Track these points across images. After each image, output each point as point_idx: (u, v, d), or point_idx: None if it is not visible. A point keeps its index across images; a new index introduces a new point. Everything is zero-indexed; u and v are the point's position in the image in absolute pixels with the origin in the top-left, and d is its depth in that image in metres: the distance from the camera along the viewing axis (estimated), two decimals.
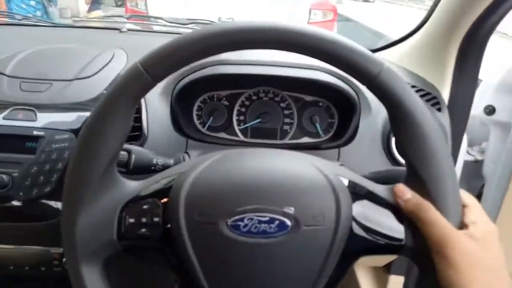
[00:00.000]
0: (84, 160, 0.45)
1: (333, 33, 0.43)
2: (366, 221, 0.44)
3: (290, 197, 0.42)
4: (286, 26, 0.42)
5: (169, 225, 0.44)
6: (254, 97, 0.82)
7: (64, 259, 0.76)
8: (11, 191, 0.68)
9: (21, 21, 1.26)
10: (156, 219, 0.45)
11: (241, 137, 0.82)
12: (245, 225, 0.42)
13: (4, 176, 0.67)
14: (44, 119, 0.72)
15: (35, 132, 0.70)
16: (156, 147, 0.74)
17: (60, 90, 0.76)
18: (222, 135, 0.82)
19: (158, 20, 1.34)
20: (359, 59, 0.41)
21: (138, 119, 0.76)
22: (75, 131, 0.71)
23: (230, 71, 0.77)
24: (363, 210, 0.44)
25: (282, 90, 0.82)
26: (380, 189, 0.46)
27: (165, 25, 1.33)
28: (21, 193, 0.68)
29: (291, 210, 0.42)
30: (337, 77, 0.78)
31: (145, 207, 0.46)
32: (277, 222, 0.42)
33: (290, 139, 0.82)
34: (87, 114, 0.73)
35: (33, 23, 1.27)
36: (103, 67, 0.82)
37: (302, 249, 0.42)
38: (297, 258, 0.42)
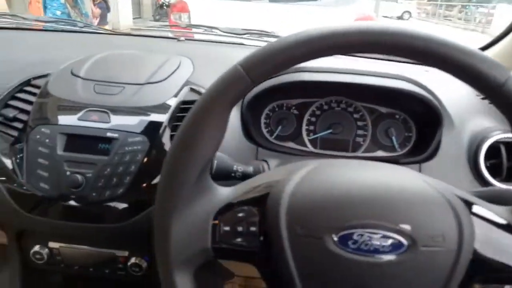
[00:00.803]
0: (180, 165, 0.43)
1: (448, 37, 0.40)
2: (489, 245, 0.40)
3: (405, 214, 0.39)
4: (397, 29, 0.39)
5: (265, 236, 0.42)
6: (326, 107, 0.80)
7: (129, 263, 0.75)
8: (84, 191, 0.68)
9: (82, 29, 1.30)
10: (252, 229, 0.43)
11: (310, 148, 0.79)
12: (355, 242, 0.39)
13: (79, 176, 0.67)
14: (117, 121, 0.72)
15: (108, 134, 0.70)
16: (228, 154, 0.72)
17: (132, 93, 0.76)
18: (290, 144, 0.80)
19: (214, 30, 1.35)
20: (482, 66, 0.38)
21: None
22: (147, 134, 0.70)
23: (305, 78, 0.75)
24: (484, 232, 0.40)
25: (356, 101, 0.79)
26: (499, 211, 0.42)
27: (220, 35, 1.34)
28: (94, 194, 0.68)
29: (407, 228, 0.38)
30: (419, 87, 0.74)
31: (240, 215, 0.44)
32: (391, 240, 0.38)
33: (363, 152, 0.79)
34: (159, 117, 0.73)
35: (93, 30, 1.31)
36: (172, 73, 0.82)
37: (419, 272, 0.39)
38: (412, 282, 0.39)
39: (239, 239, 0.43)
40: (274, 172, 0.50)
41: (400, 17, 20.90)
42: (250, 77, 0.41)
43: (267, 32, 1.38)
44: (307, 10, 3.10)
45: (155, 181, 0.70)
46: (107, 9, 5.42)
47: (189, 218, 0.44)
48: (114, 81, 0.78)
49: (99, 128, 0.71)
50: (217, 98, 0.42)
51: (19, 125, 0.76)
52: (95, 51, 0.89)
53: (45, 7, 3.82)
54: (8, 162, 0.72)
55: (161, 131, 0.71)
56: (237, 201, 0.45)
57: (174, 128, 0.75)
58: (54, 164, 0.69)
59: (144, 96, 0.76)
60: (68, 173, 0.68)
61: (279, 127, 0.81)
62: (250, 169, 0.62)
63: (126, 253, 0.76)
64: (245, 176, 0.61)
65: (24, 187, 0.70)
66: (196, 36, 1.35)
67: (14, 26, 1.27)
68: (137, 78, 0.80)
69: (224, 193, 0.47)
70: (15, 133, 0.76)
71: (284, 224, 0.41)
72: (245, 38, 1.31)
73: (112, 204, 0.69)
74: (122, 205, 0.70)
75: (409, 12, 21.73)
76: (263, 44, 1.25)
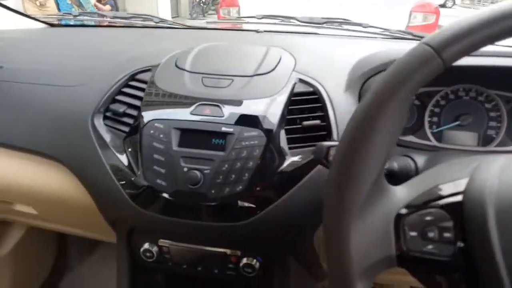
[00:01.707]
0: (357, 162, 0.39)
1: None
2: None
3: None
4: None
5: (463, 244, 0.37)
6: (452, 96, 0.73)
7: (241, 263, 0.72)
8: (203, 188, 0.65)
9: (158, 24, 1.29)
10: (447, 235, 0.38)
11: (433, 142, 0.73)
12: None
13: (197, 173, 0.65)
14: (230, 115, 0.69)
15: (223, 128, 0.67)
16: None
17: (242, 86, 0.73)
18: (411, 138, 0.73)
19: (291, 20, 1.30)
20: None
21: (322, 118, 0.70)
22: (263, 128, 0.66)
23: None
24: None
25: (488, 88, 0.71)
26: None
27: (298, 25, 1.29)
28: (213, 191, 0.65)
29: None
30: None
31: (428, 218, 0.39)
32: None
33: (496, 146, 0.71)
34: (273, 110, 0.69)
35: (169, 25, 1.30)
36: (277, 64, 0.77)
37: None
38: None
39: (430, 246, 0.38)
40: (446, 170, 0.45)
41: (443, 5, 19.96)
42: (442, 58, 0.36)
43: (348, 20, 1.32)
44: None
45: (274, 178, 0.66)
46: (115, 6, 5.52)
47: (368, 224, 0.39)
48: (223, 74, 0.75)
49: (213, 122, 0.68)
50: (401, 83, 0.37)
51: (129, 120, 0.75)
52: (183, 45, 0.87)
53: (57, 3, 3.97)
54: (123, 158, 0.71)
55: (276, 125, 0.67)
56: (419, 203, 0.40)
57: (288, 122, 0.70)
58: (170, 160, 0.66)
59: (255, 88, 0.73)
60: (185, 169, 0.66)
61: None
62: (395, 165, 0.57)
63: (238, 253, 0.73)
64: (391, 174, 0.56)
65: (141, 184, 0.68)
66: (274, 27, 1.30)
67: (95, 23, 1.29)
68: (244, 70, 0.76)
69: (399, 193, 0.42)
70: (126, 129, 0.74)
71: (495, 233, 0.35)
72: (325, 28, 1.26)
73: (231, 202, 0.66)
74: (241, 203, 0.66)
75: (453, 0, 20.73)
76: (344, 32, 1.20)
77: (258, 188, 0.66)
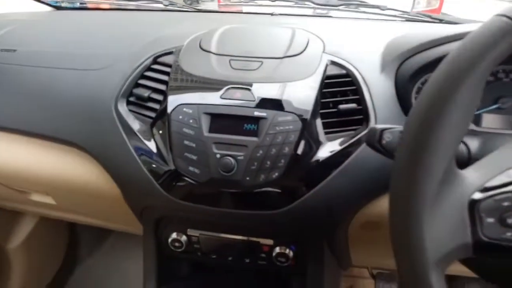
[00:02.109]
0: (431, 146, 0.36)
1: None
2: None
3: None
4: None
5: None
6: (491, 78, 0.70)
7: (274, 253, 0.70)
8: (237, 175, 0.62)
9: (167, 7, 1.24)
10: None
11: (472, 126, 0.70)
12: None
13: (231, 159, 0.62)
14: (262, 98, 0.66)
15: (256, 113, 0.64)
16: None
17: (272, 68, 0.70)
18: None
19: (306, 3, 1.26)
20: None
21: (357, 101, 0.68)
22: (297, 112, 0.63)
23: None
24: None
25: None
26: None
27: (314, 7, 1.25)
28: (247, 178, 0.62)
29: None
30: None
31: (505, 204, 0.37)
32: None
33: None
34: (306, 93, 0.66)
35: (178, 8, 1.25)
36: (307, 45, 0.74)
37: None
38: None
39: (509, 233, 0.36)
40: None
41: None
42: None
43: (365, 2, 1.28)
44: None
45: (311, 164, 0.64)
46: None
47: (442, 211, 0.37)
48: (251, 56, 0.72)
49: (245, 107, 0.65)
50: (480, 56, 0.35)
51: (155, 106, 0.72)
52: (199, 28, 0.83)
53: None
54: (151, 145, 0.68)
55: (311, 108, 0.65)
56: (494, 187, 0.38)
57: (323, 106, 0.68)
58: (202, 147, 0.64)
59: (286, 71, 0.70)
60: (218, 155, 0.63)
61: None
62: None
63: (271, 242, 0.71)
64: None
65: (172, 172, 0.65)
66: (288, 10, 1.26)
67: (102, 6, 1.24)
68: (273, 51, 0.73)
69: (470, 177, 0.40)
70: (152, 114, 0.71)
71: None
72: (341, 10, 1.22)
73: (267, 189, 0.63)
74: (277, 191, 0.64)
75: None
76: (361, 15, 1.16)
77: (294, 175, 0.63)
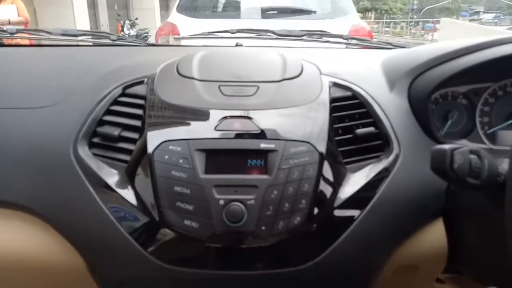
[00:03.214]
0: None
1: None
2: None
3: None
4: None
5: None
6: (500, 93, 0.66)
7: None
8: (249, 225, 0.49)
9: (115, 42, 1.11)
10: None
11: (488, 144, 0.65)
12: None
13: (239, 205, 0.49)
14: (266, 128, 0.54)
15: (262, 145, 0.53)
16: (414, 161, 0.57)
17: (271, 92, 0.59)
18: (464, 142, 0.65)
19: (269, 34, 1.20)
20: None
21: (373, 124, 0.60)
22: (312, 141, 0.53)
23: (482, 58, 0.61)
24: None
25: None
26: None
27: (275, 39, 1.19)
28: (263, 228, 0.49)
29: None
30: None
31: None
32: None
33: None
34: (316, 119, 0.56)
35: (128, 43, 1.12)
36: (302, 67, 0.65)
37: None
38: None
39: None
40: None
41: None
42: None
43: (326, 32, 1.26)
44: (303, 24, 3.03)
45: (338, 202, 0.53)
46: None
47: None
48: (243, 81, 0.61)
49: (247, 138, 0.53)
50: None
51: (128, 146, 0.56)
52: (162, 61, 0.70)
53: None
54: (129, 196, 0.52)
55: (326, 136, 0.54)
56: None
57: (337, 132, 0.58)
58: (199, 192, 0.50)
59: (287, 95, 0.60)
60: (221, 202, 0.49)
61: (448, 122, 0.66)
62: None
63: None
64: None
65: (162, 230, 0.50)
66: (253, 42, 1.19)
67: (54, 43, 1.06)
68: (268, 74, 0.63)
69: None
70: (125, 157, 0.56)
71: None
72: (305, 40, 1.18)
73: (289, 239, 0.50)
74: (303, 239, 0.51)
75: None
76: (324, 44, 1.13)
77: (320, 218, 0.51)
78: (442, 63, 0.61)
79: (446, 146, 0.41)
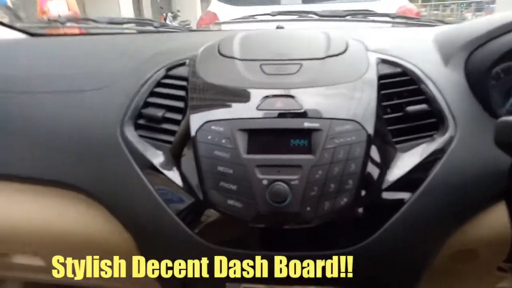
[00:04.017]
0: None
1: None
2: None
3: None
4: None
5: None
6: None
7: None
8: (293, 205, 0.47)
9: (158, 29, 1.12)
10: None
11: None
12: None
13: (283, 186, 0.47)
14: (310, 106, 0.52)
15: (306, 124, 0.51)
16: (472, 140, 0.53)
17: (315, 70, 0.57)
18: None
19: (310, 15, 1.17)
20: None
21: (425, 101, 0.56)
22: (359, 120, 0.50)
23: None
24: None
25: None
26: None
27: (319, 20, 1.15)
28: (308, 209, 0.48)
29: None
30: None
31: None
32: None
33: None
34: (364, 96, 0.53)
35: (170, 29, 1.13)
36: (347, 44, 0.62)
37: None
38: None
39: None
40: None
41: None
42: None
43: (371, 11, 1.21)
44: (348, 6, 2.94)
45: (387, 183, 0.50)
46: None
47: None
48: (286, 59, 0.59)
49: (290, 118, 0.52)
50: None
51: (172, 127, 0.57)
52: (204, 42, 0.70)
53: None
54: (174, 177, 0.53)
55: (374, 114, 0.52)
56: None
57: (385, 110, 0.55)
58: (242, 172, 0.49)
59: (332, 72, 0.57)
60: (264, 182, 0.48)
61: (511, 100, 0.60)
62: None
63: None
64: None
65: (206, 209, 0.50)
66: (295, 25, 1.17)
67: (101, 31, 1.10)
68: (311, 52, 0.61)
69: None
70: (170, 138, 0.56)
71: None
72: (349, 20, 1.13)
73: (336, 220, 0.49)
74: (350, 221, 0.49)
75: None
76: (370, 24, 1.07)
77: (368, 200, 0.49)
78: (504, 34, 0.56)
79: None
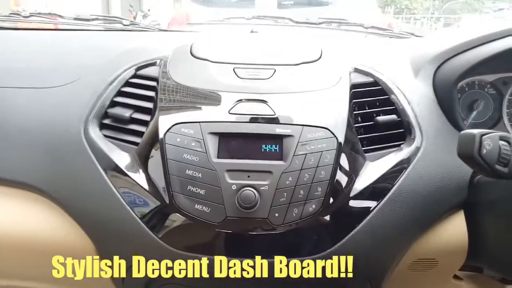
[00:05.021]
0: None
1: None
2: None
3: None
4: None
5: None
6: None
7: None
8: (261, 211, 0.47)
9: (127, 27, 1.09)
10: None
11: None
12: None
13: (252, 191, 0.47)
14: (282, 112, 0.52)
15: (278, 130, 0.50)
16: (436, 151, 0.54)
17: (288, 76, 0.57)
18: None
19: (285, 21, 1.17)
20: None
21: (395, 112, 0.57)
22: (330, 127, 0.50)
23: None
24: None
25: None
26: None
27: (291, 26, 1.16)
28: (276, 214, 0.47)
29: None
30: None
31: None
32: None
33: None
34: (335, 104, 0.54)
35: (140, 28, 1.10)
36: (321, 52, 0.63)
37: None
38: None
39: None
40: None
41: None
42: None
43: (345, 20, 1.23)
44: (320, 13, 2.99)
45: (356, 191, 0.50)
46: None
47: None
48: (259, 63, 0.59)
49: (262, 123, 0.51)
50: None
51: (140, 128, 0.55)
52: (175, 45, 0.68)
53: None
54: (140, 180, 0.51)
55: (345, 122, 0.52)
56: None
57: (357, 119, 0.56)
58: (211, 177, 0.48)
59: (305, 79, 0.57)
60: (233, 187, 0.47)
61: (474, 113, 0.63)
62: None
63: None
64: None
65: (171, 213, 0.48)
66: (269, 30, 1.16)
67: (67, 27, 1.05)
68: (285, 58, 0.60)
69: None
70: (137, 139, 0.54)
71: None
72: (323, 28, 1.15)
73: (304, 227, 0.48)
74: (317, 229, 0.49)
75: None
76: (343, 33, 1.09)
77: (336, 207, 0.49)
78: (470, 49, 0.58)
79: (475, 131, 0.39)
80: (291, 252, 0.50)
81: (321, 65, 0.60)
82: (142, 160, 0.52)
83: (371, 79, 0.60)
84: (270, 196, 0.47)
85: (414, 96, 0.58)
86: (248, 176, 0.48)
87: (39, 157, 0.54)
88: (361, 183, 0.51)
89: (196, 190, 0.48)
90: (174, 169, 0.48)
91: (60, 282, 0.59)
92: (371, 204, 0.51)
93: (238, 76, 0.57)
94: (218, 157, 0.49)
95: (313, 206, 0.48)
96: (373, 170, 0.52)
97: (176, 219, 0.49)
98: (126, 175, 0.51)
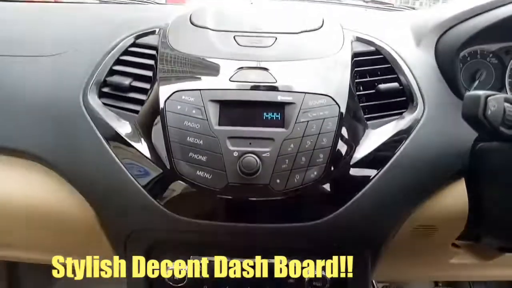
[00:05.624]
0: None
1: None
2: None
3: None
4: None
5: None
6: None
7: (307, 277, 0.55)
8: (263, 177, 0.47)
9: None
10: None
11: None
12: None
13: (253, 158, 0.47)
14: (284, 80, 0.52)
15: (280, 97, 0.50)
16: (438, 119, 0.54)
17: (290, 44, 0.57)
18: None
19: None
20: None
21: (397, 80, 0.56)
22: (332, 94, 0.50)
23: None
24: None
25: None
26: None
27: None
28: (278, 181, 0.47)
29: None
30: None
31: None
32: None
33: None
34: (337, 72, 0.53)
35: (138, 1, 1.08)
36: (323, 20, 0.62)
37: None
38: None
39: None
40: None
41: None
42: None
43: None
44: None
45: (357, 158, 0.50)
46: None
47: None
48: (260, 31, 0.58)
49: (264, 90, 0.51)
50: None
51: (140, 96, 0.54)
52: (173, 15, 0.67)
53: None
54: (141, 148, 0.50)
55: (347, 89, 0.51)
56: None
57: (359, 87, 0.55)
58: (212, 144, 0.48)
59: (307, 47, 0.57)
60: (235, 153, 0.47)
61: (476, 82, 0.62)
62: None
63: (304, 263, 0.55)
64: None
65: (173, 180, 0.48)
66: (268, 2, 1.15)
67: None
68: (286, 26, 0.60)
69: None
70: (137, 107, 0.54)
71: None
72: (323, 2, 1.13)
73: (305, 193, 0.48)
74: (319, 195, 0.49)
75: None
76: (344, 7, 1.07)
77: (338, 174, 0.49)
78: (472, 17, 0.57)
79: (480, 92, 0.38)
80: (292, 218, 0.50)
81: (323, 33, 0.59)
82: (143, 128, 0.51)
83: (372, 48, 0.59)
84: (271, 163, 0.47)
85: (416, 64, 0.57)
86: (250, 143, 0.48)
87: (39, 125, 0.54)
88: (362, 150, 0.51)
89: (198, 157, 0.47)
90: (175, 136, 0.48)
91: (61, 252, 0.60)
92: (372, 171, 0.51)
93: (238, 44, 0.56)
94: (219, 124, 0.49)
95: (315, 173, 0.48)
96: (374, 137, 0.52)
97: (177, 185, 0.49)
98: (127, 143, 0.51)
